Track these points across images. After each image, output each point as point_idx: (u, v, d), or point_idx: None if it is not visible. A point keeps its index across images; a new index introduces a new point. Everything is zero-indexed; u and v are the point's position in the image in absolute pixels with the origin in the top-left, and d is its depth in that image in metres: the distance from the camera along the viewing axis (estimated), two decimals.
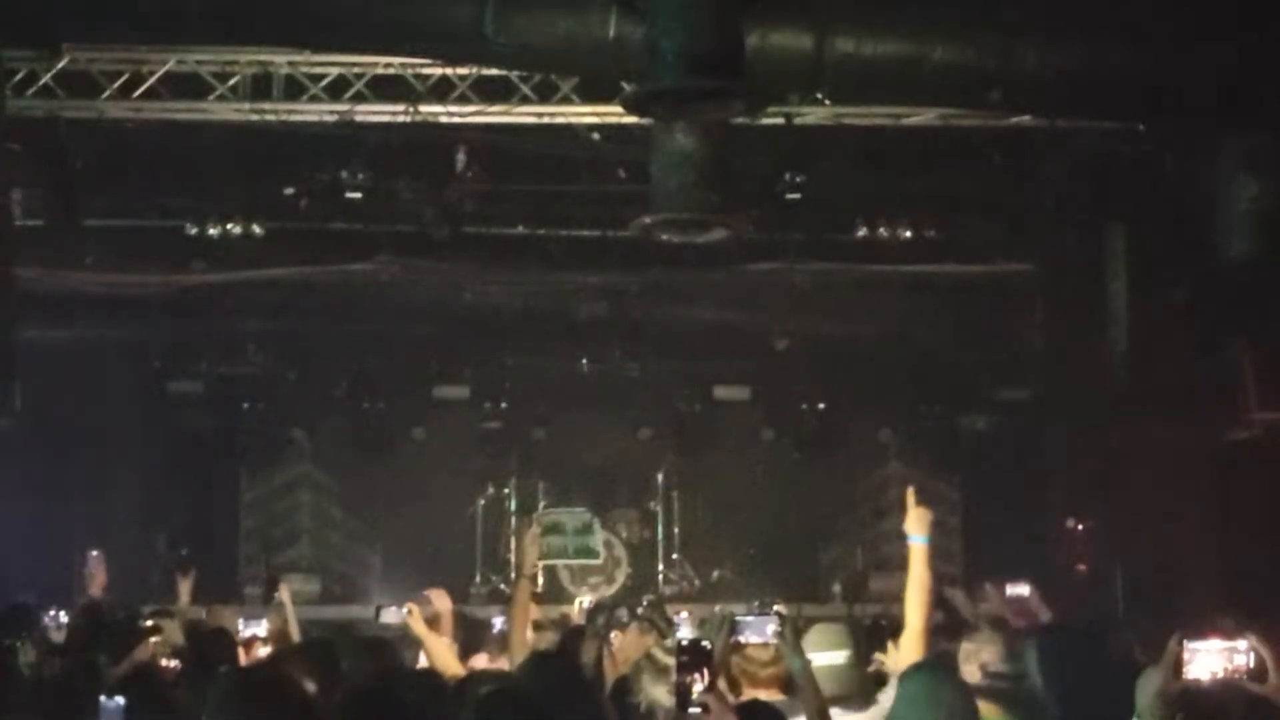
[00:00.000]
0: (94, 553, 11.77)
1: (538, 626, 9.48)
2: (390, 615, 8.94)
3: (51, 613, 10.50)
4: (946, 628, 10.69)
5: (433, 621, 9.38)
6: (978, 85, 9.20)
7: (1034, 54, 8.93)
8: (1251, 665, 5.36)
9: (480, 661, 9.05)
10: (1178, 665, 5.11)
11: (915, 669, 6.00)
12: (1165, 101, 9.38)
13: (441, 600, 9.64)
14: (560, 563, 17.19)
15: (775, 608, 9.42)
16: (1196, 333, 13.20)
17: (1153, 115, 10.30)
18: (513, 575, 14.14)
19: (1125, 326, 14.19)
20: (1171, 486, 13.43)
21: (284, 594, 11.14)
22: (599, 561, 16.54)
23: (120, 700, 5.95)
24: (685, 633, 9.59)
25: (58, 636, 10.12)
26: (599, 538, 16.17)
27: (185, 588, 11.54)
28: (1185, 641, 5.18)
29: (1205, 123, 9.94)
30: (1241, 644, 5.36)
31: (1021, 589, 12.39)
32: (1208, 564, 12.88)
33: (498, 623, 10.23)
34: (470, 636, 9.84)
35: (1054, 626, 8.69)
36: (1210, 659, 5.27)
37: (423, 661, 8.56)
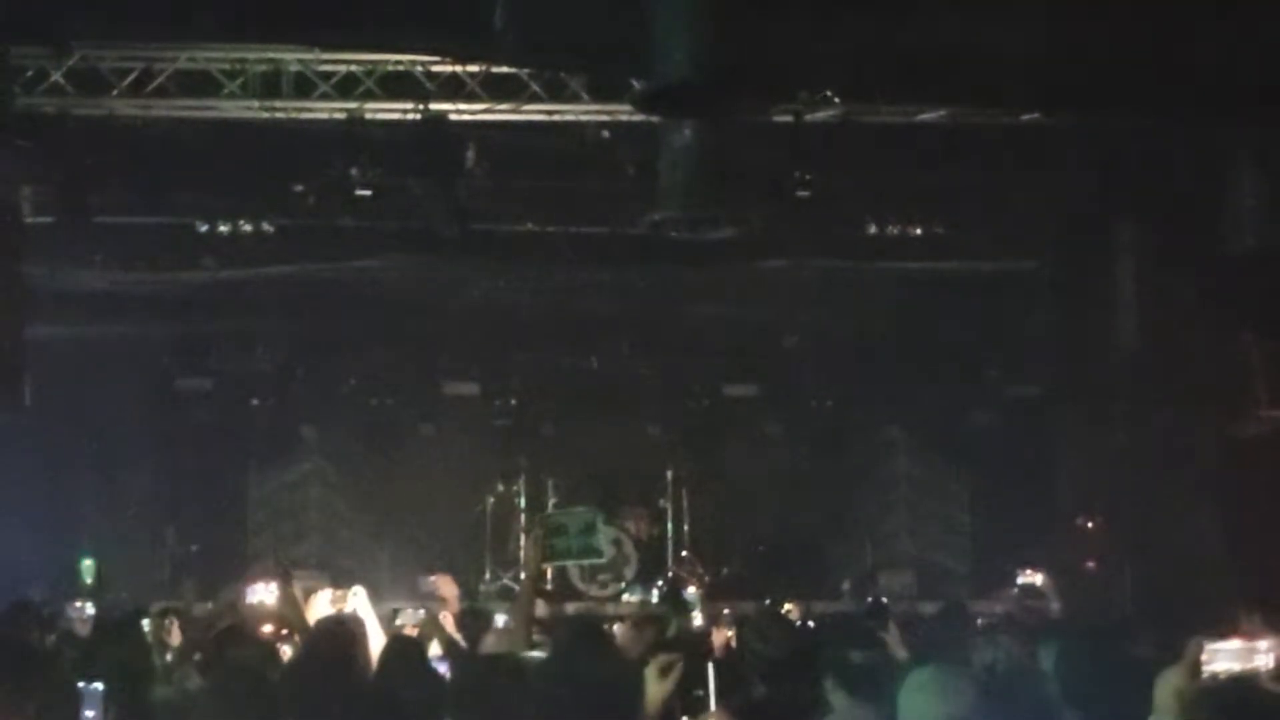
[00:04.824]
0: None
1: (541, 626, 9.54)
2: (408, 618, 9.09)
3: (77, 604, 10.61)
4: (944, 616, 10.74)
5: (438, 606, 9.49)
6: (987, 80, 9.20)
7: (1044, 49, 8.93)
8: (1272, 665, 5.35)
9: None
10: (1196, 665, 5.09)
11: (923, 663, 5.99)
12: (1176, 97, 9.37)
13: (447, 586, 9.74)
14: (568, 563, 17.21)
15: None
16: (1207, 329, 13.18)
17: (1163, 111, 10.29)
18: (521, 574, 14.18)
19: (1135, 323, 14.18)
20: (1181, 483, 13.42)
21: (297, 591, 11.16)
22: (604, 561, 16.53)
23: (99, 686, 6.04)
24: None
25: (82, 629, 10.23)
26: (603, 537, 16.13)
27: (191, 584, 11.59)
28: (1205, 642, 5.17)
29: (1215, 119, 9.93)
30: (1262, 644, 5.35)
31: (1035, 578, 12.44)
32: (1217, 561, 12.86)
33: (499, 620, 10.28)
34: (477, 629, 9.89)
35: (1073, 626, 8.68)
36: (1230, 659, 5.26)
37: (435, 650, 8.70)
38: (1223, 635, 5.30)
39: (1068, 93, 9.39)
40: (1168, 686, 5.00)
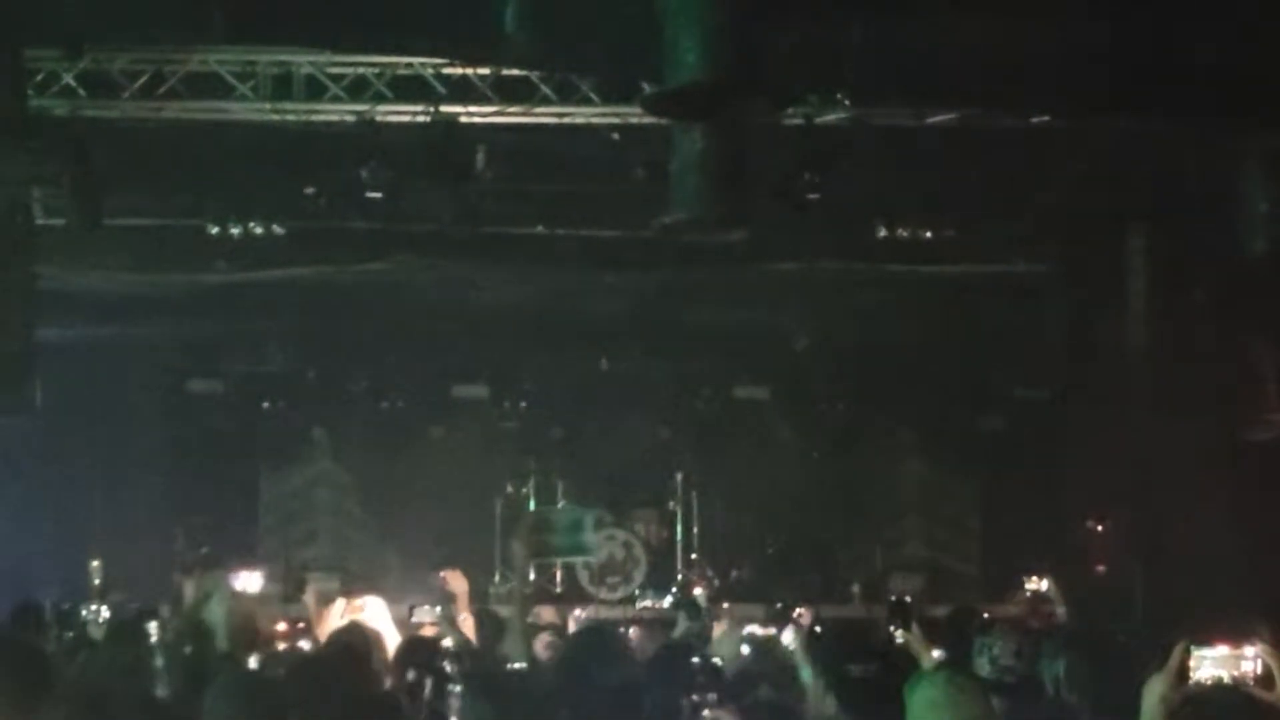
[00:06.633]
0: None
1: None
2: (423, 614, 9.16)
3: (93, 607, 10.63)
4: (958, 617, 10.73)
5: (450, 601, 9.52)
6: (998, 82, 9.19)
7: (1055, 51, 8.92)
8: (1259, 672, 5.33)
9: None
10: (1182, 671, 5.08)
11: (934, 671, 5.99)
12: (1187, 100, 9.36)
13: (456, 581, 9.76)
14: (577, 561, 17.22)
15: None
16: (1217, 332, 13.16)
17: (1174, 114, 10.28)
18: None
19: (1146, 326, 14.17)
20: (1192, 487, 13.40)
21: (309, 595, 11.16)
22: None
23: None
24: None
25: (96, 632, 10.25)
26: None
27: (189, 586, 11.57)
28: (1192, 648, 5.15)
29: (1227, 122, 9.91)
30: (1249, 650, 5.33)
31: (1040, 584, 12.42)
32: (1228, 565, 12.84)
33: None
34: (489, 631, 9.90)
35: (1084, 634, 8.67)
36: (1216, 666, 5.24)
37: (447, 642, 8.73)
38: (1208, 642, 5.28)
39: (1078, 95, 9.37)
40: (1153, 694, 4.99)
